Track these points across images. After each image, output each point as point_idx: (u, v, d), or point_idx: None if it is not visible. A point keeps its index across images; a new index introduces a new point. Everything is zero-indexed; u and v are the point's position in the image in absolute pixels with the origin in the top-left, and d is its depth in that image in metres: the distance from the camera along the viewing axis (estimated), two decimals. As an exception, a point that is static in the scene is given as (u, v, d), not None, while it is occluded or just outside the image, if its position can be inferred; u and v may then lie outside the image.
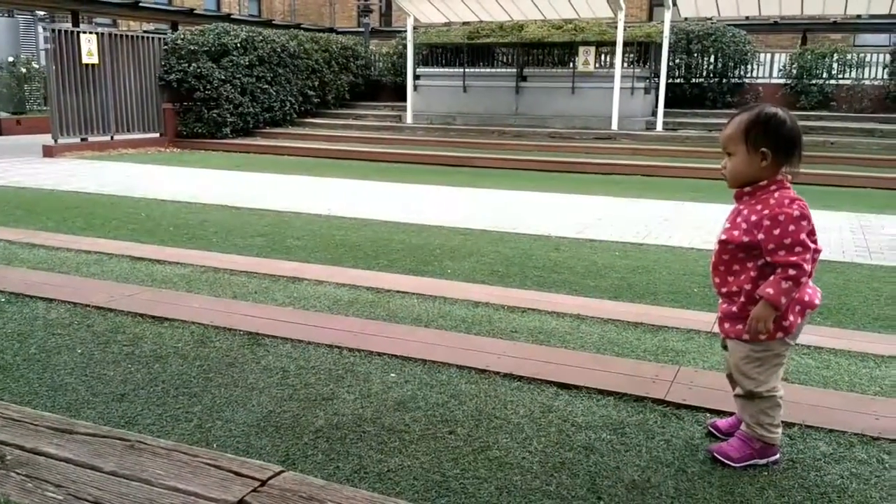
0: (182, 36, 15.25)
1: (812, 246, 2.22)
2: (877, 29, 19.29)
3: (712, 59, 16.67)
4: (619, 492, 2.23)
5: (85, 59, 13.43)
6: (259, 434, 2.55)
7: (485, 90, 17.42)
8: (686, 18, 16.64)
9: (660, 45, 15.46)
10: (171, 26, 17.82)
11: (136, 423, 2.59)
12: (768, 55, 17.52)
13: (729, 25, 16.86)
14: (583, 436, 2.59)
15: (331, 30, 23.03)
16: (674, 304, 4.29)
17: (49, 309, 3.82)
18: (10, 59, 18.70)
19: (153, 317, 3.72)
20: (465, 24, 18.64)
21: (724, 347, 2.51)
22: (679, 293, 4.54)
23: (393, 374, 3.11)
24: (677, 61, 16.72)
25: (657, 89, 15.60)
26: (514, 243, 6.04)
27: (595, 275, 5.00)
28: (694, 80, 16.86)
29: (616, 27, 15.32)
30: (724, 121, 2.41)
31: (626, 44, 15.60)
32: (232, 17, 20.25)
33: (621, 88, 15.30)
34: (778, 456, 2.42)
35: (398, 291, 4.47)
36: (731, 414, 2.63)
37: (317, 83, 17.74)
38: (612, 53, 15.85)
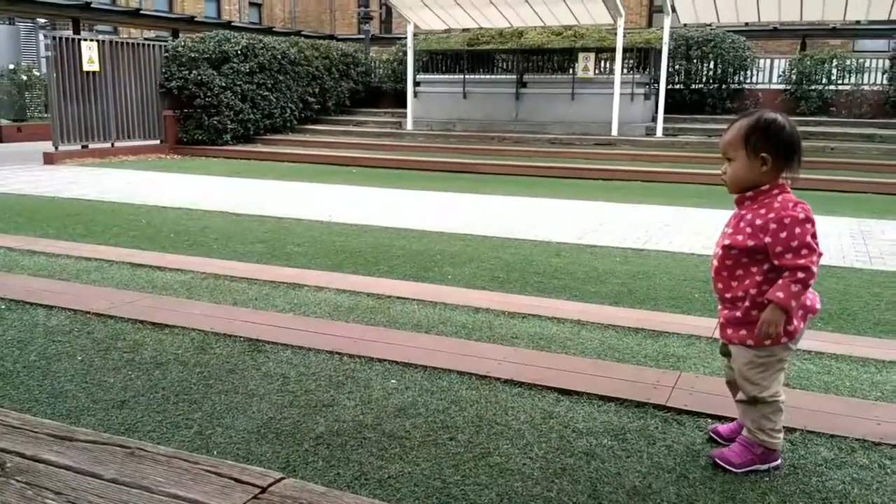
0: (183, 43, 15.30)
1: (817, 248, 2.22)
2: (876, 34, 19.33)
3: (712, 65, 16.70)
4: (621, 498, 2.23)
5: (86, 67, 13.47)
6: (259, 441, 2.55)
7: (485, 96, 17.45)
8: (685, 24, 16.68)
9: (659, 52, 15.49)
10: (171, 34, 17.86)
11: (136, 429, 2.59)
12: (768, 61, 17.55)
13: (728, 31, 16.90)
14: (584, 442, 2.58)
15: (331, 37, 23.08)
16: (674, 310, 4.29)
17: (49, 316, 3.82)
18: (11, 66, 18.74)
19: (153, 323, 3.72)
20: (464, 30, 18.69)
21: (724, 354, 2.51)
22: (680, 299, 4.54)
23: (393, 381, 3.11)
24: (677, 67, 16.76)
25: (657, 95, 15.63)
26: (515, 249, 6.05)
27: (595, 280, 5.00)
28: (694, 85, 16.89)
29: (616, 33, 15.36)
30: (724, 126, 2.42)
31: (625, 50, 15.63)
32: (232, 24, 20.30)
33: (621, 94, 15.32)
34: (780, 461, 2.41)
35: (398, 297, 4.47)
36: (732, 419, 2.62)
37: (317, 90, 17.77)
38: (612, 60, 15.89)
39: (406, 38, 17.72)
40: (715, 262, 2.40)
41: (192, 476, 2.08)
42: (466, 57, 17.81)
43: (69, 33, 14.90)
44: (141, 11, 18.31)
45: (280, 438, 2.57)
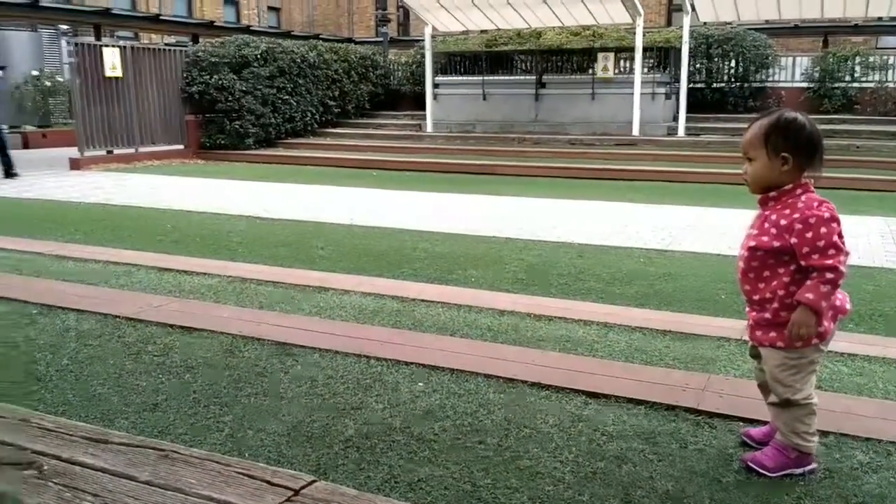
0: (203, 48, 15.43)
1: (844, 248, 2.20)
2: (900, 31, 19.07)
3: (733, 64, 16.55)
4: (654, 503, 2.21)
5: (108, 73, 13.62)
6: (290, 443, 2.57)
7: (504, 98, 17.43)
8: (705, 23, 16.55)
9: (679, 51, 15.38)
10: (191, 39, 18.03)
11: (168, 432, 2.61)
12: (790, 59, 17.37)
13: (749, 29, 16.75)
14: (614, 445, 2.57)
15: (349, 40, 23.18)
16: (702, 312, 4.26)
17: (80, 320, 3.86)
18: (35, 73, 19.00)
19: (182, 327, 3.75)
20: (482, 31, 18.67)
21: (753, 356, 2.48)
22: (707, 300, 4.51)
23: (420, 384, 3.11)
24: (698, 66, 16.63)
25: (678, 94, 15.52)
26: (538, 251, 6.03)
27: (621, 282, 4.97)
28: (715, 84, 16.76)
29: (635, 33, 15.27)
30: (746, 125, 2.40)
31: (645, 49, 15.54)
32: (251, 28, 20.45)
33: (642, 94, 15.23)
34: (814, 465, 2.38)
35: (423, 300, 4.48)
36: (764, 423, 2.60)
37: (337, 93, 17.85)
38: (632, 59, 15.80)
39: (424, 40, 17.75)
40: (741, 264, 2.37)
41: (224, 478, 2.10)
42: (485, 58, 17.80)
43: (91, 39, 15.08)
44: (160, 17, 18.49)
45: (310, 441, 2.58)
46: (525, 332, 3.84)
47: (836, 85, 16.03)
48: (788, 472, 2.35)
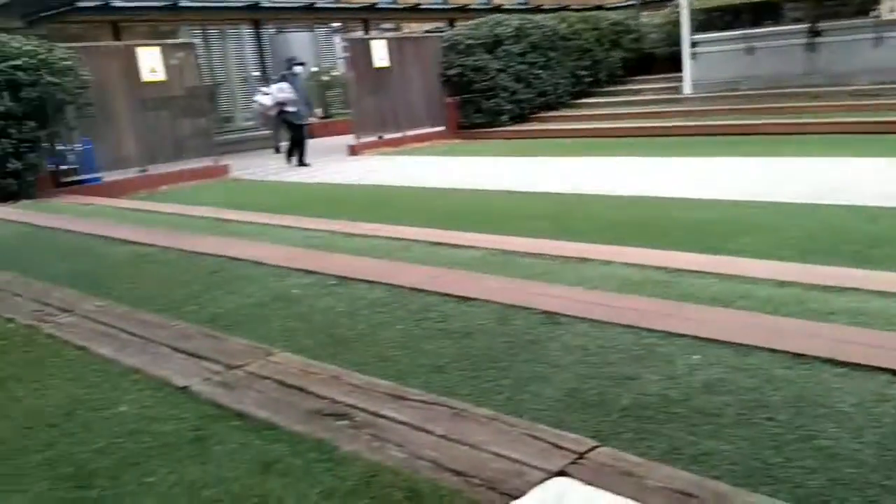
0: (458, 32, 16.08)
1: None
2: None
3: None
4: (983, 495, 1.96)
5: (377, 64, 14.75)
6: (567, 409, 2.64)
7: (771, 51, 15.97)
8: None
9: None
10: (448, 24, 18.85)
11: (454, 392, 2.81)
12: None
13: None
14: (928, 429, 2.30)
15: (599, 7, 22.71)
16: None
17: (371, 290, 4.28)
18: (314, 69, 21.12)
19: (458, 296, 4.00)
20: (745, -18, 17.25)
21: None
22: None
23: (697, 356, 3.02)
24: None
25: None
26: (820, 216, 5.51)
27: (925, 249, 4.39)
28: None
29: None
30: None
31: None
32: (502, 7, 20.86)
33: (944, 32, 13.12)
34: None
35: (690, 271, 4.31)
36: None
37: (588, 63, 17.65)
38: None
39: (679, -2, 16.83)
40: None
41: (512, 438, 2.24)
42: (749, 10, 16.44)
43: (360, 34, 16.42)
44: (419, 6, 19.55)
45: (586, 409, 2.63)
46: (811, 304, 3.55)
47: None
48: None
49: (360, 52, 14.61)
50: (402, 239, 5.78)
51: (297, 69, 13.83)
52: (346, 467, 2.14)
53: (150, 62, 11.90)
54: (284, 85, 13.16)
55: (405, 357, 3.23)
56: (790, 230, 5.13)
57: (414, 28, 24.13)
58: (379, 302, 4.02)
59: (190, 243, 5.87)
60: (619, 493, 1.86)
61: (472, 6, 21.35)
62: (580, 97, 17.76)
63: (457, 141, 15.66)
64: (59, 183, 11.04)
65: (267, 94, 13.39)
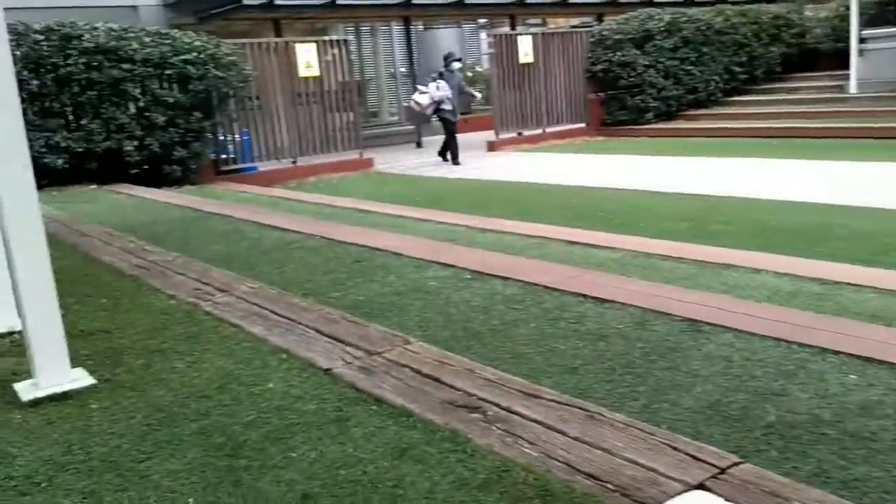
0: (607, 26, 15.76)
1: None
2: None
3: None
4: None
5: (521, 59, 14.74)
6: (707, 421, 2.54)
7: (953, 48, 14.55)
8: None
9: None
10: (596, 18, 18.51)
11: (587, 395, 2.78)
12: None
13: None
14: None
15: (758, 0, 21.52)
16: None
17: (505, 286, 4.30)
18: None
19: (595, 298, 3.94)
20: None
21: None
22: None
23: (853, 376, 2.82)
24: None
25: None
26: None
27: None
28: None
29: None
30: None
31: None
32: (654, 1, 20.21)
33: None
34: None
35: (849, 283, 4.03)
36: None
37: (744, 58, 16.81)
38: None
39: (850, -11, 15.64)
40: None
41: (648, 446, 2.18)
42: (931, 2, 15.03)
43: (507, 30, 16.45)
44: (568, 1, 19.31)
45: (728, 422, 2.53)
46: None
47: None
48: None
49: (505, 47, 14.65)
50: (538, 237, 5.76)
51: (455, 65, 13.79)
52: (478, 460, 2.17)
53: (307, 58, 12.50)
54: (443, 83, 13.10)
55: (538, 355, 3.23)
56: (969, 245, 4.68)
57: (560, 23, 23.88)
58: (513, 298, 4.03)
59: (335, 232, 6.13)
60: (761, 514, 1.78)
61: (622, 0, 20.85)
62: (733, 94, 16.95)
63: (599, 138, 15.38)
64: (219, 171, 11.85)
65: (424, 92, 13.34)
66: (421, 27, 20.41)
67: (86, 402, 2.84)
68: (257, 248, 5.76)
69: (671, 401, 2.72)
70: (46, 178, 8.99)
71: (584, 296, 4.02)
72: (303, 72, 12.49)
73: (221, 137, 11.93)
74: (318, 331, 3.43)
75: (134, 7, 14.38)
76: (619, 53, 15.18)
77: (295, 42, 12.74)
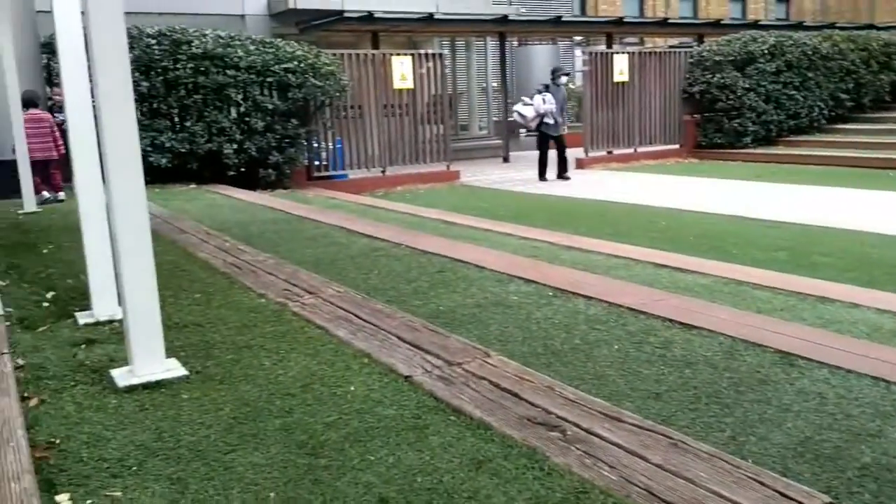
0: (708, 47, 15.40)
1: None
2: None
3: None
4: None
5: (616, 78, 14.58)
6: (796, 458, 2.43)
7: None
8: None
9: None
10: (696, 39, 18.13)
11: (671, 422, 2.70)
12: None
13: None
14: None
15: (870, 26, 20.60)
16: None
17: (588, 305, 4.24)
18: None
19: (682, 323, 3.83)
20: None
21: None
22: None
23: (960, 423, 2.64)
24: None
25: None
26: None
27: None
28: None
29: None
30: None
31: None
32: (759, 23, 19.64)
33: None
34: None
35: (959, 325, 3.78)
36: None
37: (851, 85, 16.11)
38: None
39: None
40: None
41: (734, 479, 2.10)
42: None
43: (603, 48, 16.30)
44: (668, 21, 19.01)
45: (819, 461, 2.41)
46: None
47: None
48: None
49: (600, 65, 14.53)
50: (624, 257, 5.66)
51: (563, 79, 13.67)
52: (556, 479, 2.14)
53: (402, 70, 12.73)
54: (549, 96, 12.93)
55: (620, 378, 3.17)
56: None
57: (658, 43, 23.50)
58: (596, 318, 3.97)
59: (419, 242, 6.19)
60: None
61: (725, 21, 20.34)
62: (838, 122, 16.26)
63: (692, 160, 15.02)
64: (311, 176, 12.20)
65: (529, 104, 13.13)
66: (515, 43, 20.45)
67: (177, 392, 2.96)
68: (344, 254, 5.88)
69: (760, 435, 2.61)
70: (150, 175, 9.38)
71: (671, 320, 3.92)
72: (397, 83, 12.73)
73: (315, 144, 12.27)
74: (399, 337, 3.47)
75: (242, 16, 15.02)
76: (718, 75, 14.80)
77: (391, 54, 13.00)
